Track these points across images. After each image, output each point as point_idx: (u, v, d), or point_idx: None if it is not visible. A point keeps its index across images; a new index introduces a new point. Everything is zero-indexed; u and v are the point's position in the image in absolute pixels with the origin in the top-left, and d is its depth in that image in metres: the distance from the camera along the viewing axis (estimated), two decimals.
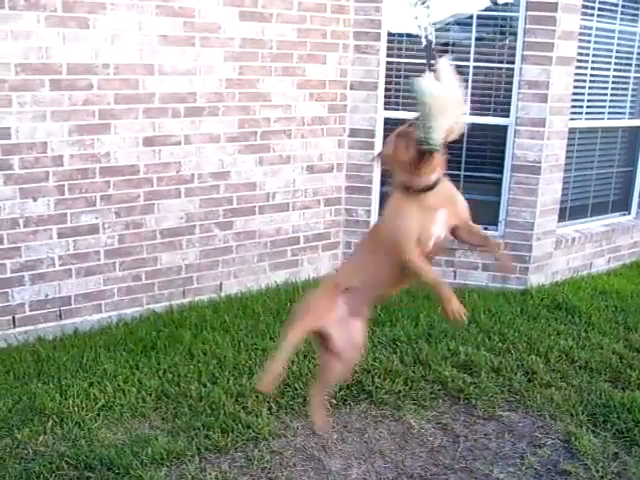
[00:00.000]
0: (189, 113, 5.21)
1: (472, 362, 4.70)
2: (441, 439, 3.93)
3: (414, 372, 4.55)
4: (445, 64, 2.96)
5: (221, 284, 5.71)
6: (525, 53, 5.74)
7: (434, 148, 2.86)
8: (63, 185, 4.78)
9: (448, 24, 6.12)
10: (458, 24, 6.05)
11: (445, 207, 3.10)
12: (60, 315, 4.97)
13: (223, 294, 5.70)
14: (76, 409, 3.94)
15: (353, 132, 6.05)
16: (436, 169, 3.00)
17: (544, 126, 5.84)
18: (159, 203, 5.23)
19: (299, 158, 5.84)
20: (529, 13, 5.66)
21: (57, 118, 4.67)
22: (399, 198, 3.07)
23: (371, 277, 3.22)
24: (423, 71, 2.96)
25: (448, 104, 2.85)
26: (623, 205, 7.23)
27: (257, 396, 4.16)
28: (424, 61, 3.13)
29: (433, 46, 3.31)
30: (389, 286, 3.36)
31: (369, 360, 4.63)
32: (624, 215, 7.24)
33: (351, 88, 5.97)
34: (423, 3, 3.57)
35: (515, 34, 5.81)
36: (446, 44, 6.06)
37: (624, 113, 6.86)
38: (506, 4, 5.92)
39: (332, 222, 6.18)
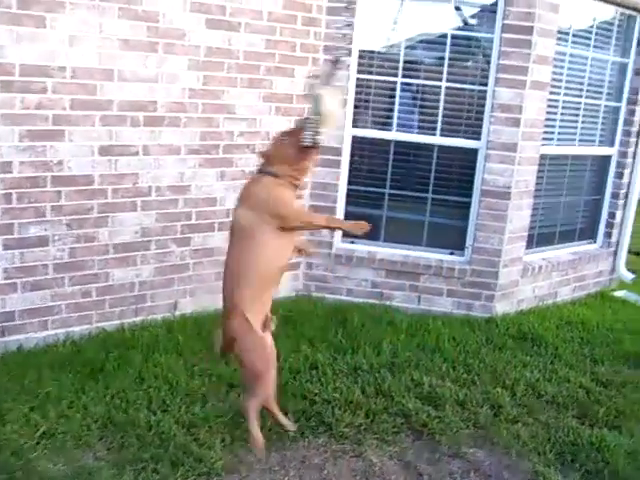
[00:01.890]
0: (149, 122, 4.95)
1: (436, 394, 4.52)
2: (404, 477, 3.72)
3: (376, 404, 4.35)
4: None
5: (176, 303, 5.45)
6: (499, 76, 5.60)
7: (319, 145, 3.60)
8: (11, 194, 4.49)
9: (419, 42, 5.96)
10: (430, 43, 5.90)
11: None
12: (3, 332, 4.66)
13: (178, 313, 5.44)
14: (14, 436, 3.65)
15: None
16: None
17: (515, 151, 5.70)
18: (113, 216, 4.95)
19: None
20: (504, 35, 5.53)
21: (7, 122, 4.38)
22: (272, 181, 3.62)
23: (271, 264, 3.62)
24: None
25: (334, 116, 3.58)
26: (589, 233, 7.14)
27: (210, 426, 3.92)
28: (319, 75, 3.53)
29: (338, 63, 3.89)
30: (287, 260, 3.78)
31: (329, 390, 4.43)
32: (590, 243, 7.14)
33: None
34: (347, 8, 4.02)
35: (489, 56, 5.67)
36: (415, 62, 5.89)
37: (594, 141, 6.77)
38: (480, 25, 5.78)
39: None
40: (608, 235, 7.16)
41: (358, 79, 5.82)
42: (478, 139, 5.80)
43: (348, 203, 6.02)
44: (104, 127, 4.76)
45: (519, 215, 5.95)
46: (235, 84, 5.29)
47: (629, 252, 7.65)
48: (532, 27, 5.48)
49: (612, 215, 7.10)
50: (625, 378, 5.12)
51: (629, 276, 7.34)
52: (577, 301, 6.91)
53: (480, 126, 5.79)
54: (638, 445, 4.16)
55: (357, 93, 5.86)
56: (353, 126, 5.89)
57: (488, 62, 5.69)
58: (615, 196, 7.06)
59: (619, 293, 7.30)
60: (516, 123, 5.64)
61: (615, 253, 7.27)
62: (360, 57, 5.79)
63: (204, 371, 4.57)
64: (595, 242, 7.18)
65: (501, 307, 6.11)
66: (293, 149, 3.60)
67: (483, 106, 5.75)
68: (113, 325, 5.11)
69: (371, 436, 4.04)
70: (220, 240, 5.48)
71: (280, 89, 5.53)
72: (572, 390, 4.81)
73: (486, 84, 5.72)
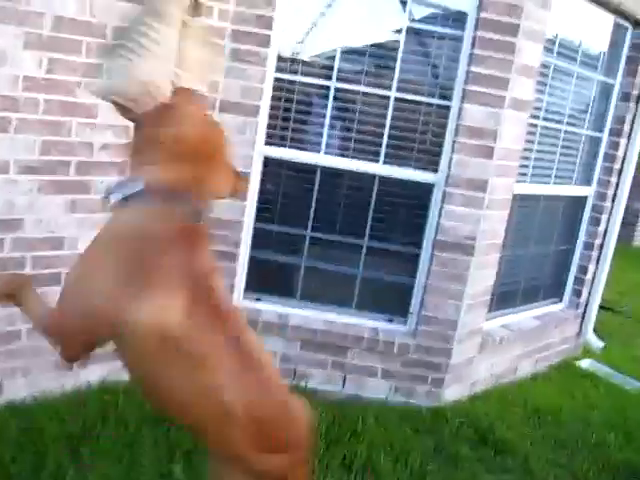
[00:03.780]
0: None
1: None
2: None
3: None
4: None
5: (1, 386, 3.75)
6: (468, 88, 4.13)
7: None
8: None
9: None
10: (378, 40, 4.38)
11: None
12: None
13: (3, 401, 3.74)
14: None
15: None
16: None
17: (485, 191, 4.23)
18: None
19: None
20: (479, 34, 4.06)
21: None
22: None
23: None
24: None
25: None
26: (555, 291, 5.75)
27: None
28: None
29: None
30: None
31: None
32: (555, 303, 5.76)
33: (221, 110, 4.12)
34: None
35: (456, 61, 4.20)
36: (355, 62, 4.38)
37: (571, 178, 5.39)
38: (446, 19, 4.27)
39: None
40: (577, 294, 5.80)
41: (277, 80, 4.24)
42: (435, 171, 4.32)
43: (255, 246, 4.43)
44: None
45: (483, 275, 4.51)
46: (97, 74, 3.64)
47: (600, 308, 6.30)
48: (518, 26, 4.03)
49: (583, 270, 5.75)
50: None
51: (598, 344, 6.01)
52: (539, 376, 5.53)
53: (439, 154, 4.29)
54: None
55: (274, 99, 4.28)
56: (266, 144, 4.31)
57: (454, 69, 4.21)
58: (588, 247, 5.71)
59: (585, 363, 5.96)
60: (489, 154, 4.18)
61: (583, 315, 5.91)
62: (281, 51, 4.23)
63: None
64: (561, 301, 5.81)
65: (451, 393, 4.64)
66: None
67: (445, 127, 4.26)
68: None
69: None
70: None
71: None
72: None
73: (450, 98, 4.23)
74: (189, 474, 3.37)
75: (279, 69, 4.22)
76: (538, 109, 4.69)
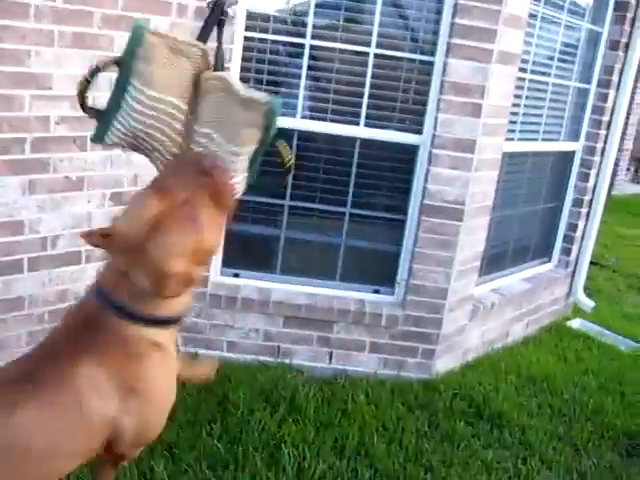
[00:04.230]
0: None
1: None
2: None
3: None
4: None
5: None
6: (454, 41, 3.84)
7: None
8: None
9: None
10: None
11: None
12: None
13: None
14: None
15: None
16: None
17: (473, 151, 3.98)
18: None
19: (99, 181, 3.64)
20: None
21: None
22: None
23: None
24: None
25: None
26: (544, 251, 5.55)
27: None
28: None
29: None
30: None
31: None
32: (544, 263, 5.56)
33: None
34: None
35: (439, 12, 3.91)
36: (331, 16, 4.07)
37: (559, 133, 5.15)
38: None
39: None
40: (566, 252, 5.60)
41: (246, 39, 3.94)
42: (419, 132, 4.05)
43: (231, 219, 4.17)
44: None
45: (472, 240, 4.28)
46: (50, 41, 3.30)
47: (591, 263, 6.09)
48: None
49: (572, 227, 5.54)
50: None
51: (589, 304, 5.83)
52: (531, 339, 5.36)
53: (423, 113, 4.03)
54: None
55: (245, 60, 3.98)
56: None
57: (438, 22, 3.93)
58: (577, 203, 5.49)
59: (575, 323, 5.80)
60: (476, 111, 3.92)
61: (573, 274, 5.72)
62: (250, 8, 3.92)
63: None
64: (550, 261, 5.61)
65: (443, 363, 4.44)
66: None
67: (428, 85, 3.99)
68: None
69: None
70: (33, 285, 3.55)
71: None
72: None
73: (433, 53, 3.95)
74: (172, 470, 3.15)
75: (249, 27, 3.91)
76: (525, 62, 4.42)
